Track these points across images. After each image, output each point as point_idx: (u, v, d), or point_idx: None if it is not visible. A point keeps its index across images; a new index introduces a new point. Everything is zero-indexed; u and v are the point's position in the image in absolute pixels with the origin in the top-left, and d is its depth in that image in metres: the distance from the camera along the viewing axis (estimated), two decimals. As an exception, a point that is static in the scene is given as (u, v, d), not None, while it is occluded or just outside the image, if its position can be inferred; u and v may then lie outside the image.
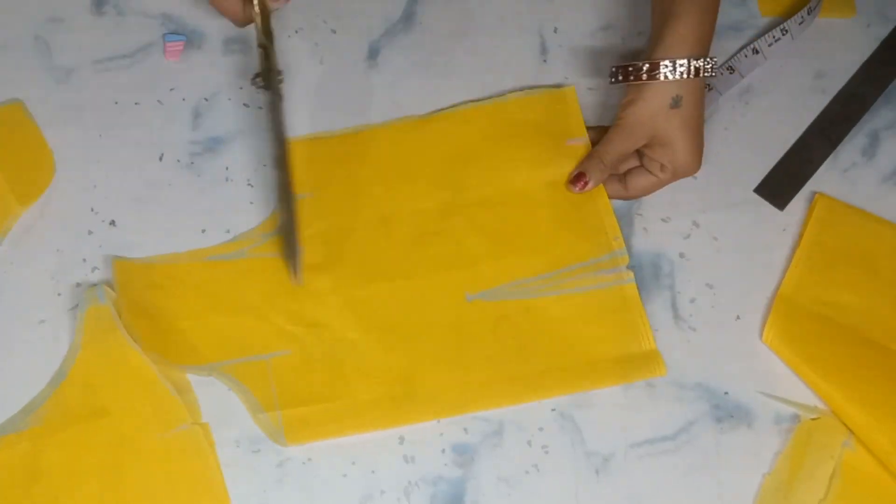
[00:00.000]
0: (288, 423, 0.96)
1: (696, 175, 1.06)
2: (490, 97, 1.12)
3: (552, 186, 1.08)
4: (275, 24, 0.97)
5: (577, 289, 1.03)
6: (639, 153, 1.06)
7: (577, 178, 1.06)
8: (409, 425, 0.97)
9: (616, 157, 1.05)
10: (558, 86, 1.12)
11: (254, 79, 1.00)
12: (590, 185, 1.05)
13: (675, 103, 1.01)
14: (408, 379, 0.99)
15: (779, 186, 1.09)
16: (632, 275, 1.04)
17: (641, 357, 1.01)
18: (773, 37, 1.15)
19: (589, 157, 1.06)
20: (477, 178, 1.08)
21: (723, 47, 1.16)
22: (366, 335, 1.01)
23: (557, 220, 1.06)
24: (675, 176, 1.04)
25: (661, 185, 1.06)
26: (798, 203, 1.09)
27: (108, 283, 1.00)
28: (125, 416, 0.95)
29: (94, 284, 1.00)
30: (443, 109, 1.12)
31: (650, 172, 1.05)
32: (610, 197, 1.07)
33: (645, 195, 1.07)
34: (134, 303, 1.00)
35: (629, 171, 1.07)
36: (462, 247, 1.05)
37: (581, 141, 1.09)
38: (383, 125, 1.11)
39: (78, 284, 1.01)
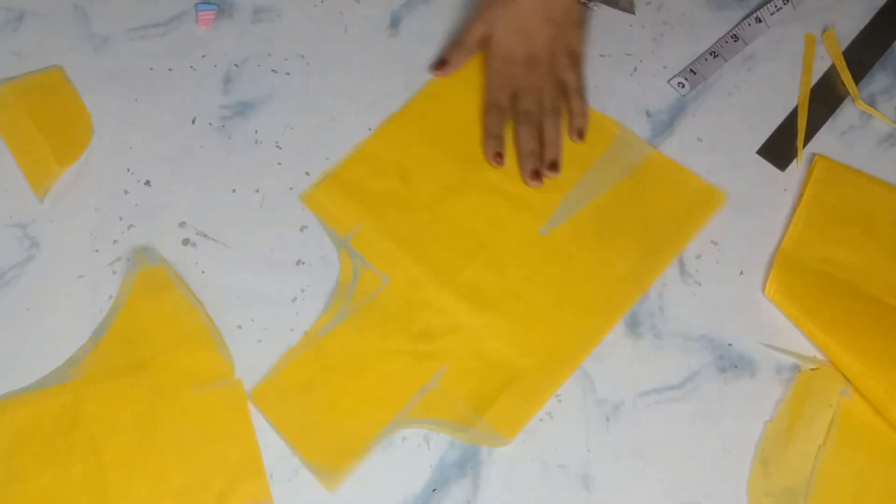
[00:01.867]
0: (497, 423, 0.94)
1: (700, 137, 1.06)
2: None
3: None
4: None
5: (618, 175, 1.07)
6: None
7: (440, 65, 1.11)
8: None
9: (470, 39, 1.11)
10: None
11: None
12: (449, 68, 1.11)
13: None
14: (541, 340, 0.99)
15: (780, 148, 1.09)
16: (652, 148, 1.08)
17: (702, 194, 1.06)
18: (776, 6, 1.15)
19: (450, 44, 1.12)
20: None
21: (727, 17, 1.16)
22: (487, 315, 0.99)
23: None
24: (504, 60, 1.10)
25: (494, 71, 1.10)
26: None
27: (143, 248, 1.01)
28: (163, 371, 0.95)
29: (143, 248, 1.01)
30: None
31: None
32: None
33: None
34: (280, 412, 0.96)
35: None
36: (514, 197, 1.06)
37: None
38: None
39: (115, 241, 1.01)
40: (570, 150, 1.07)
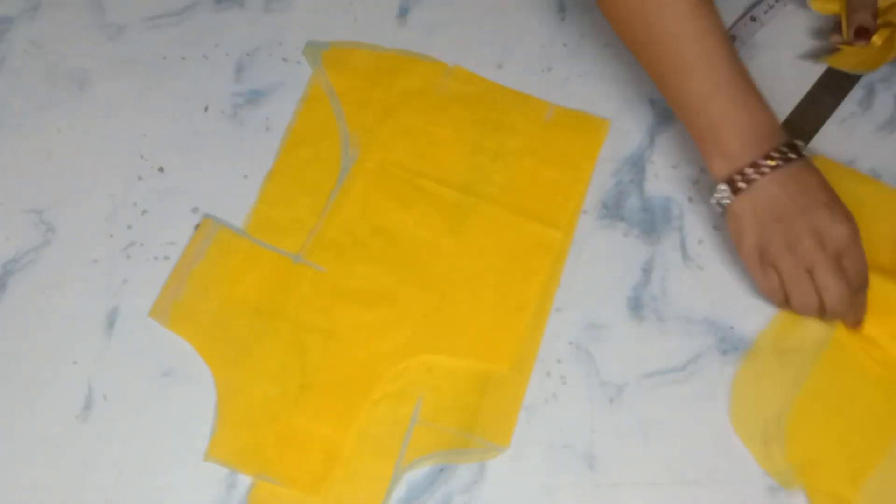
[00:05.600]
0: (488, 434, 0.92)
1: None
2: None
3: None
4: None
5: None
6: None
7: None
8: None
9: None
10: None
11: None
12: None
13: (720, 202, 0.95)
14: (488, 336, 0.96)
15: (786, 139, 1.07)
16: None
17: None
18: (768, 4, 1.15)
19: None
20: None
21: (723, 15, 1.14)
22: (430, 335, 0.96)
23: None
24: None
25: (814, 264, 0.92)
26: (799, 154, 1.07)
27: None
28: None
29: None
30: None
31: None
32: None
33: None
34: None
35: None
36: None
37: None
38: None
39: (129, 227, 1.00)
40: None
